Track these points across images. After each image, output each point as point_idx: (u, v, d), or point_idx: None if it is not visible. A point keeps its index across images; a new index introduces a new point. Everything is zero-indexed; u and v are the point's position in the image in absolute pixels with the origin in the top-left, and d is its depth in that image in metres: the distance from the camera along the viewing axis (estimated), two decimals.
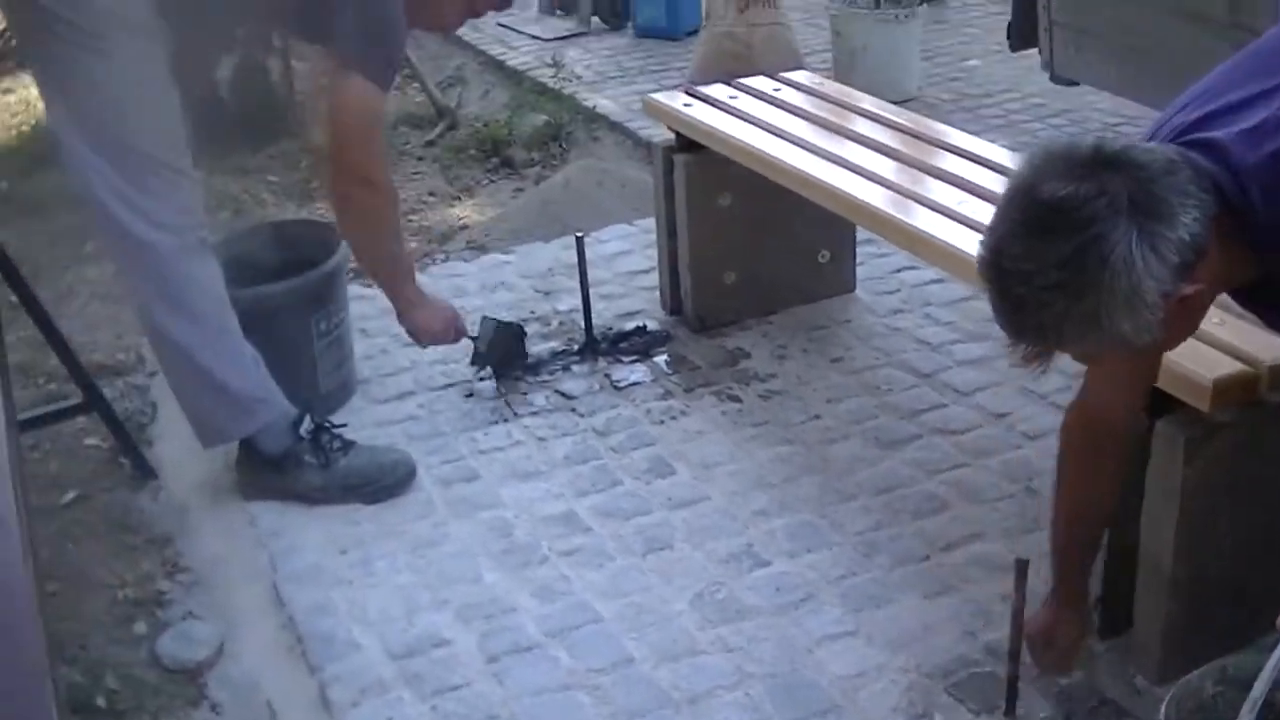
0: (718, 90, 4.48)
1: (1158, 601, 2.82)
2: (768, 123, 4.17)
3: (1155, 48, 4.76)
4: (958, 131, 4.11)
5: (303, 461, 3.71)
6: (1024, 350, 2.01)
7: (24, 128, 7.43)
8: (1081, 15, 5.07)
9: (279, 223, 4.52)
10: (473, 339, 4.21)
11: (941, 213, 3.49)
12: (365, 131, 3.63)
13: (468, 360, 4.30)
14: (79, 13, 3.26)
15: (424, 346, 4.12)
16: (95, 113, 3.34)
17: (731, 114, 4.27)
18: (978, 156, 3.82)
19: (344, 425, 3.87)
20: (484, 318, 4.30)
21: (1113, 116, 6.33)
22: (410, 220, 5.85)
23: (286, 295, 3.91)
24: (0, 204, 6.25)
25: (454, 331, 4.08)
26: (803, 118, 4.22)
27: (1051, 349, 2.01)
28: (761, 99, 4.39)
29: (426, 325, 3.99)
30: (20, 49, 3.58)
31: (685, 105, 4.37)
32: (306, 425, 3.73)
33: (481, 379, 4.28)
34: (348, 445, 3.78)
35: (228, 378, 3.58)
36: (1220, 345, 2.68)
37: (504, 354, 4.27)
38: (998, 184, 3.60)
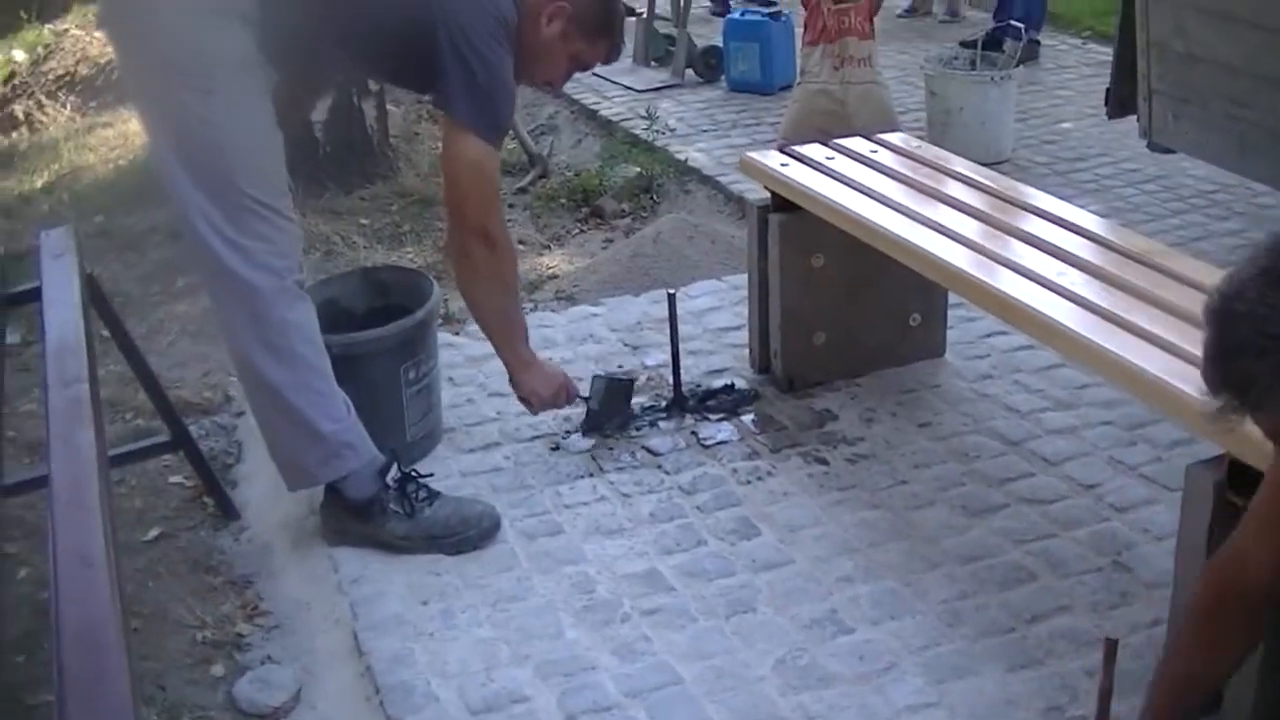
0: (814, 150, 4.47)
1: None
2: (863, 184, 4.15)
3: (1258, 119, 4.73)
4: (1047, 196, 4.08)
5: (388, 510, 3.71)
6: (1220, 404, 1.96)
7: (121, 162, 7.53)
8: (1182, 84, 5.04)
9: (371, 268, 4.53)
10: (585, 399, 4.22)
11: (1029, 278, 3.47)
12: (481, 188, 3.68)
13: (579, 422, 4.30)
14: (187, 52, 3.31)
15: (535, 413, 4.16)
16: (199, 151, 3.38)
17: (827, 175, 4.26)
18: (1066, 221, 3.81)
19: (430, 475, 3.86)
20: (595, 376, 4.33)
21: (1207, 184, 6.29)
22: None
23: (377, 343, 3.91)
24: (96, 238, 6.32)
25: (565, 396, 4.11)
26: (897, 180, 4.20)
27: (1248, 409, 1.96)
28: (857, 160, 4.38)
29: (537, 390, 4.04)
30: (127, 85, 3.62)
31: (782, 165, 4.35)
32: (394, 474, 3.73)
33: (589, 438, 4.28)
34: (433, 495, 3.78)
35: (318, 421, 3.59)
36: None
37: (616, 412, 4.28)
38: (1085, 249, 3.61)
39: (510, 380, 4.05)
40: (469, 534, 3.74)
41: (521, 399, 4.07)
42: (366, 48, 3.62)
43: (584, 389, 4.25)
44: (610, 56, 3.96)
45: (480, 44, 3.51)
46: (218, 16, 3.33)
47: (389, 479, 3.73)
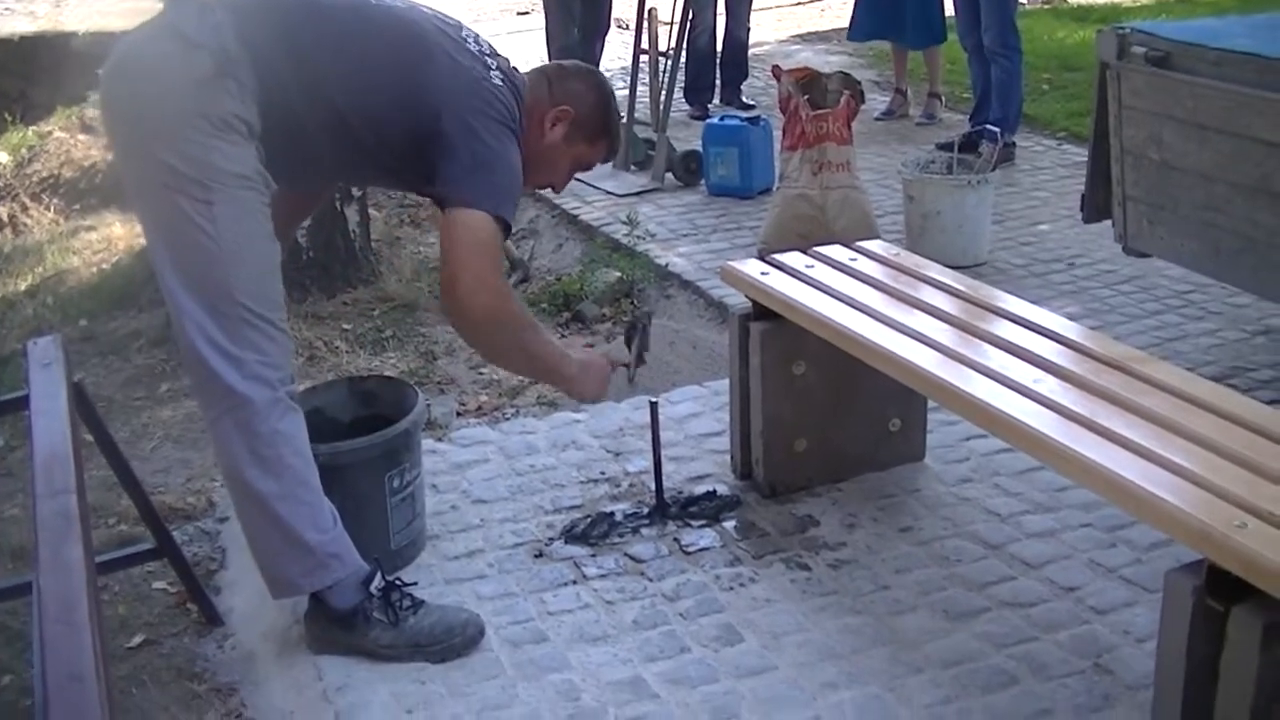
0: (794, 259, 4.51)
1: None
2: (842, 293, 4.20)
3: (1232, 226, 4.79)
4: (1023, 302, 4.14)
5: (372, 618, 3.71)
6: None
7: (104, 266, 7.55)
8: (1157, 191, 5.11)
9: (356, 378, 4.56)
10: (624, 365, 4.36)
11: (1006, 384, 3.52)
12: (482, 261, 3.55)
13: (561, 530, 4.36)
14: (188, 162, 3.34)
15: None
16: (196, 260, 3.41)
17: (807, 283, 4.30)
18: (1042, 328, 3.87)
19: (414, 584, 3.87)
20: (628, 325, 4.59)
21: (1183, 284, 6.34)
22: (481, 373, 5.89)
23: (362, 452, 3.93)
24: (79, 342, 6.34)
25: (609, 374, 4.17)
26: (877, 288, 4.25)
27: None
28: (837, 268, 4.43)
29: (593, 393, 4.09)
30: (125, 187, 3.65)
31: (762, 274, 4.40)
32: (378, 583, 3.73)
33: (550, 541, 4.28)
34: (417, 604, 3.78)
35: (304, 531, 3.59)
36: None
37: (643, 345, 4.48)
38: (1062, 355, 3.68)
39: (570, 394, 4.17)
40: (453, 642, 3.74)
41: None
42: (371, 149, 3.66)
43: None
44: (609, 156, 4.08)
45: (486, 129, 3.57)
46: (222, 129, 3.37)
47: (373, 588, 3.73)
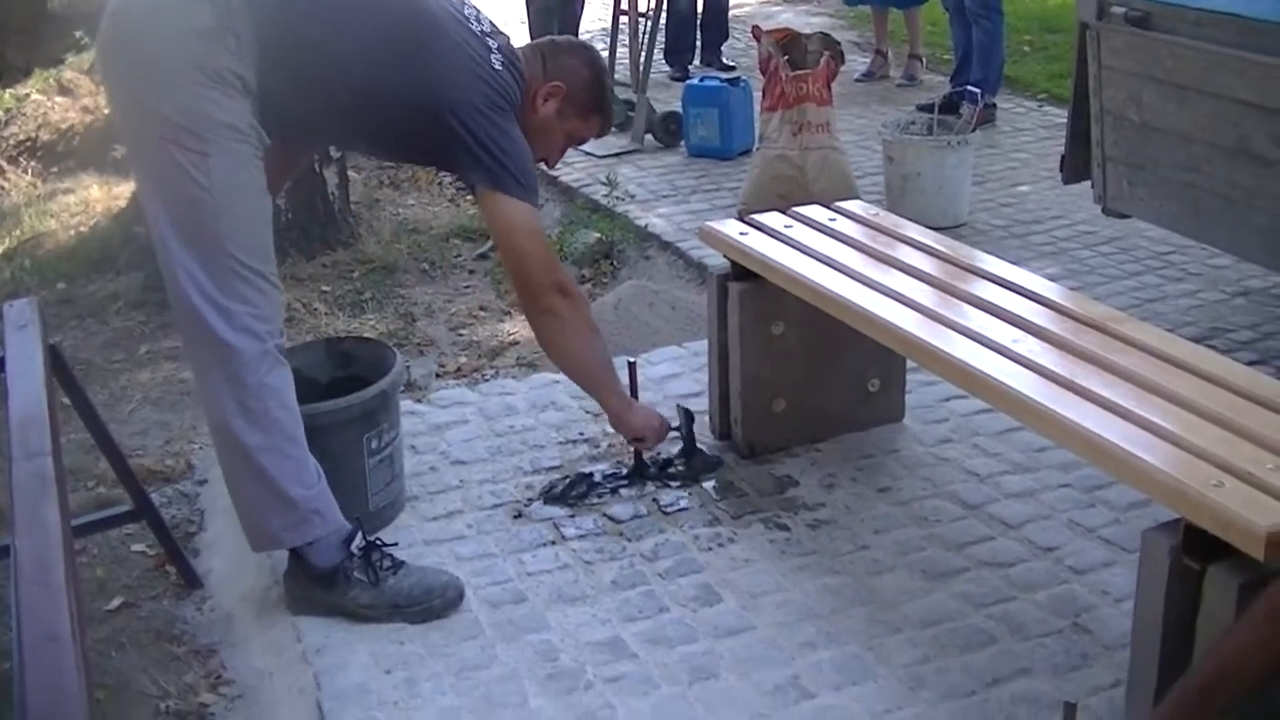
0: (773, 219, 4.51)
1: None
2: (821, 253, 4.19)
3: (1211, 185, 4.79)
4: (1003, 262, 4.13)
5: (352, 578, 3.71)
6: None
7: (82, 229, 7.52)
8: (1135, 152, 5.11)
9: (334, 339, 4.54)
10: (675, 429, 4.39)
11: (986, 345, 3.51)
12: (538, 246, 3.85)
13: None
14: (184, 114, 3.34)
15: (649, 450, 4.38)
16: (190, 211, 3.41)
17: (786, 243, 4.30)
18: (1022, 288, 3.86)
19: (394, 544, 3.87)
20: (678, 407, 4.51)
21: (1162, 245, 6.36)
22: (460, 334, 5.89)
23: (341, 413, 3.92)
24: (57, 305, 6.33)
25: (663, 433, 4.32)
26: (856, 248, 4.24)
27: None
28: (816, 228, 4.42)
29: (650, 429, 4.26)
30: (120, 138, 3.64)
31: (741, 234, 4.39)
32: (358, 542, 3.73)
33: (529, 502, 4.29)
34: (398, 565, 3.78)
35: (288, 486, 3.59)
36: (1277, 493, 2.68)
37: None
38: (1041, 315, 3.68)
39: (615, 423, 4.26)
40: (433, 603, 3.73)
41: (633, 441, 4.32)
42: (371, 125, 3.69)
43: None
44: (603, 131, 4.17)
45: (489, 115, 3.63)
46: (217, 83, 3.36)
47: (353, 548, 3.73)
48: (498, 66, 3.69)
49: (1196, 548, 2.74)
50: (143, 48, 3.42)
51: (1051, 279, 4.36)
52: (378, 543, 3.80)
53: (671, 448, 4.49)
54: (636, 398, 4.36)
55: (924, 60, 9.94)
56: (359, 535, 3.75)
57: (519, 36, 10.44)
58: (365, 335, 5.38)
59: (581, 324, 3.96)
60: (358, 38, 3.54)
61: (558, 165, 4.49)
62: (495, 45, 3.73)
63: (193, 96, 3.35)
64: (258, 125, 3.46)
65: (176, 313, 3.54)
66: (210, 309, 3.43)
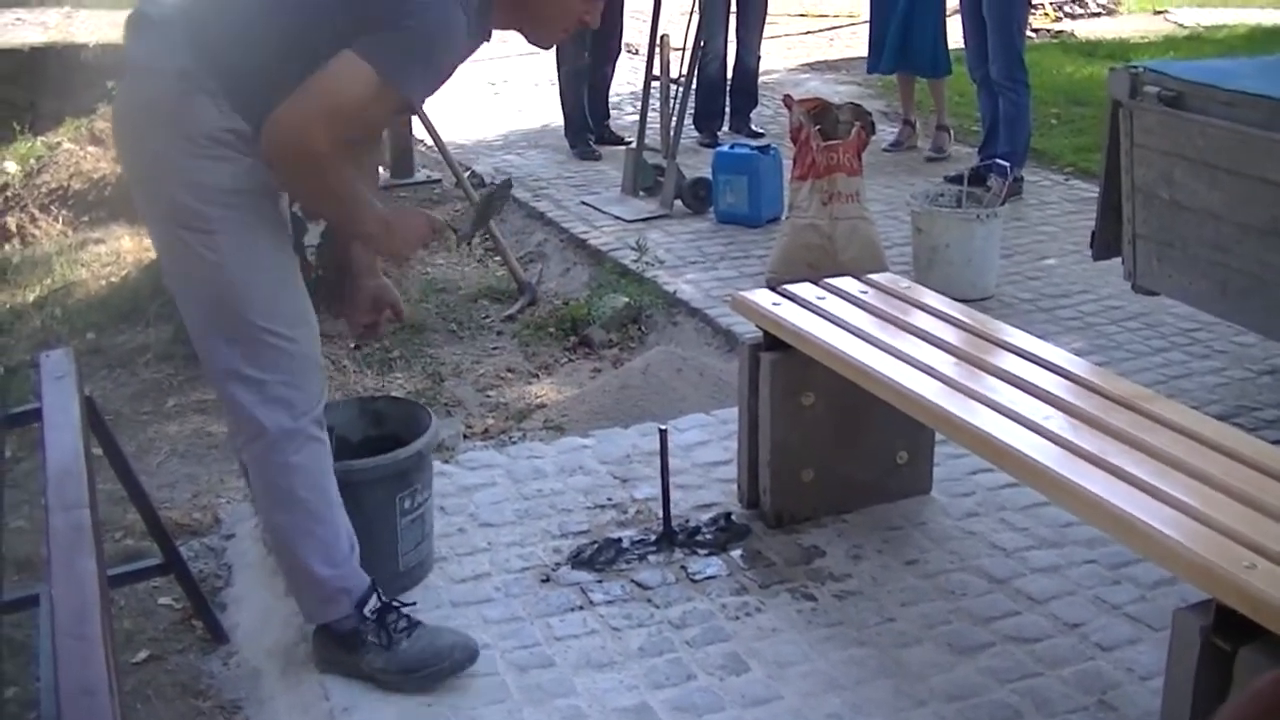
0: (805, 290, 4.53)
1: None
2: (852, 325, 4.22)
3: (1240, 265, 4.81)
4: (1032, 337, 4.17)
5: (367, 641, 3.70)
6: None
7: (113, 279, 7.56)
8: (1166, 230, 5.13)
9: (368, 398, 4.57)
10: (454, 230, 4.07)
11: (1014, 419, 3.54)
12: (319, 101, 3.17)
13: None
14: (183, 192, 3.31)
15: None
16: (211, 291, 3.39)
17: (818, 314, 4.32)
18: (1051, 364, 3.90)
19: (413, 604, 3.88)
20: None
21: (1189, 322, 6.35)
22: (488, 395, 5.91)
23: (374, 471, 3.94)
24: (87, 355, 6.35)
25: (427, 231, 3.68)
26: (887, 320, 4.27)
27: None
28: (847, 300, 4.45)
29: (406, 245, 3.67)
30: (146, 211, 3.57)
31: (774, 304, 4.42)
32: (372, 604, 3.72)
33: (557, 566, 4.29)
34: (413, 625, 3.76)
35: (314, 565, 3.61)
36: None
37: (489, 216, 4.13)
38: (1069, 391, 3.71)
39: (377, 245, 3.71)
40: (440, 667, 3.71)
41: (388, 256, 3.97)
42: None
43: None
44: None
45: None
46: (207, 148, 3.27)
47: (367, 610, 3.71)
48: None
49: (1227, 629, 2.75)
50: (132, 141, 3.45)
51: (1078, 354, 4.38)
52: (394, 604, 3.79)
53: (701, 515, 4.50)
54: (666, 465, 4.35)
55: (951, 132, 9.94)
56: (373, 598, 3.73)
57: (550, 100, 10.57)
58: (395, 395, 5.40)
59: (324, 193, 3.32)
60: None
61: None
62: None
63: (186, 170, 3.29)
64: (265, 177, 3.32)
65: (215, 390, 3.55)
66: (241, 386, 3.44)
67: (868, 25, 9.93)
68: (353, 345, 3.66)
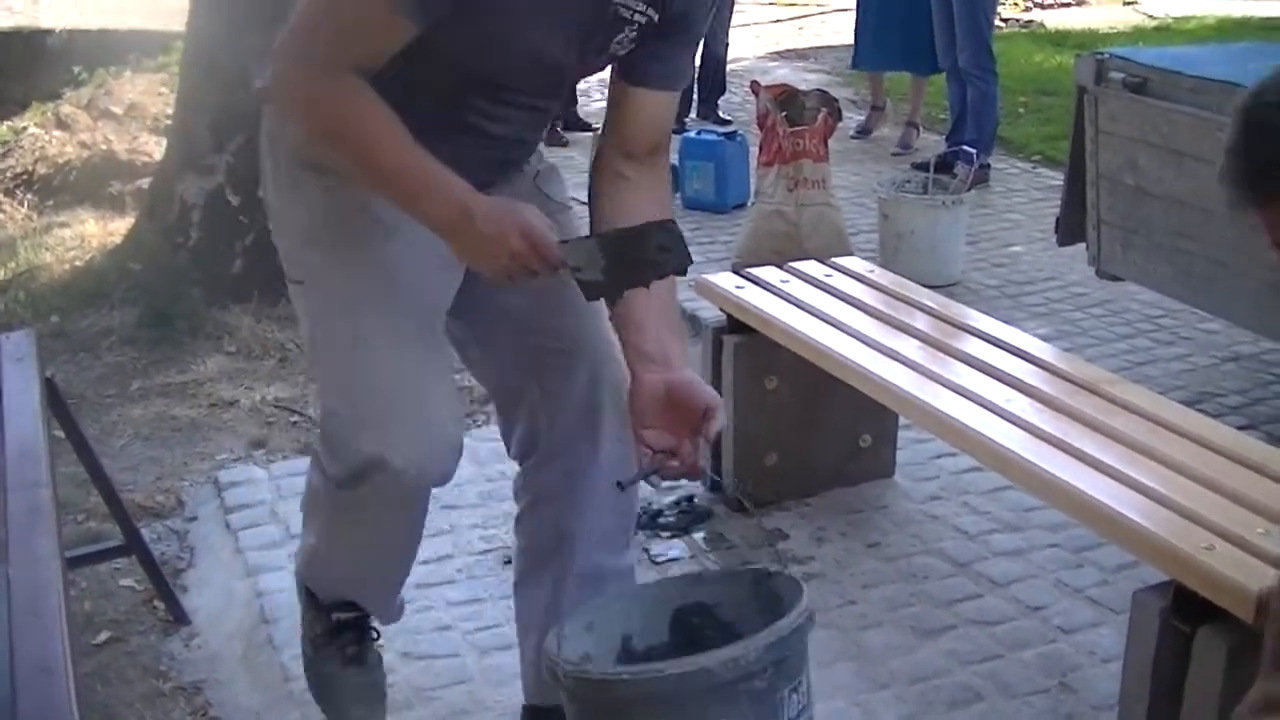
0: (769, 274, 4.53)
1: None
2: (817, 309, 4.22)
3: (1204, 251, 4.83)
4: (997, 322, 4.18)
5: (315, 631, 3.33)
6: (1231, 197, 2.00)
7: (77, 263, 7.51)
8: (1130, 215, 5.14)
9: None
10: (575, 271, 2.66)
11: (978, 403, 3.54)
12: (306, 13, 2.52)
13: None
14: (280, 229, 2.93)
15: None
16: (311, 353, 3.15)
17: (782, 298, 4.32)
18: (1015, 348, 3.90)
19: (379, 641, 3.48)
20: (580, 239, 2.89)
21: (1154, 309, 6.37)
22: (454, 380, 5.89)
23: None
24: (50, 338, 6.30)
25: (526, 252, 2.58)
26: (851, 304, 4.27)
27: (1259, 203, 1.99)
28: (812, 284, 4.44)
29: (494, 259, 2.60)
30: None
31: (737, 288, 4.41)
32: (341, 614, 3.30)
33: None
34: (354, 661, 3.31)
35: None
36: (1267, 557, 2.70)
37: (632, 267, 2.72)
38: (1034, 376, 3.71)
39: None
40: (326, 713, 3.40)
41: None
42: None
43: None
44: None
45: None
46: (308, 166, 2.79)
47: (334, 615, 3.30)
48: None
49: (1186, 610, 2.75)
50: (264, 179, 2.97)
51: (1043, 339, 4.39)
52: (362, 633, 3.33)
53: (663, 498, 4.51)
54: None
55: (920, 129, 9.91)
56: (348, 607, 3.31)
57: None
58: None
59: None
60: None
61: None
62: None
63: (281, 200, 2.88)
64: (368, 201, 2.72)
65: None
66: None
67: (854, 18, 9.89)
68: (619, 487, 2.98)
